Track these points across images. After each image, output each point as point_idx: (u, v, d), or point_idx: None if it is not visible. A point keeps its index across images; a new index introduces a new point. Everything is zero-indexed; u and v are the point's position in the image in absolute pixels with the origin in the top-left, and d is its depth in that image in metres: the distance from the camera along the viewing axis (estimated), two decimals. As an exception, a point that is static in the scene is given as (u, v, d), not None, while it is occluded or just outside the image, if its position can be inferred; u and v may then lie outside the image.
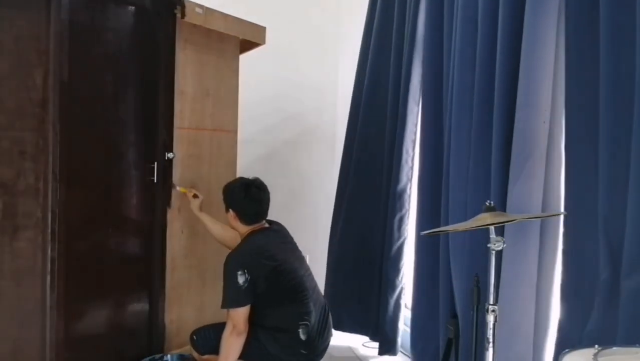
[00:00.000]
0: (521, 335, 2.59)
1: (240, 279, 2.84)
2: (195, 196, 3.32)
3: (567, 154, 2.47)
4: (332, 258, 4.21)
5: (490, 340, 2.24)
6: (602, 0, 2.21)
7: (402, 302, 3.83)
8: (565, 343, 2.38)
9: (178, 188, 3.30)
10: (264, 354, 2.93)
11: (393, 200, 3.75)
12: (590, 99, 2.30)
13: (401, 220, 3.76)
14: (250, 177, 3.16)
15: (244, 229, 3.06)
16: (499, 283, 2.57)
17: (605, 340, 1.80)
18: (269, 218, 3.17)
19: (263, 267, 2.92)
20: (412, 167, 3.73)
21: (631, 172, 2.08)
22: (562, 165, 2.54)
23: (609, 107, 2.20)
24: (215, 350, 2.94)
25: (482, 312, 2.27)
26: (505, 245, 2.24)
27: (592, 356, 1.67)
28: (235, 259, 2.92)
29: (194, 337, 3.10)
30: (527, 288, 2.59)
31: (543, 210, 2.59)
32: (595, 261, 2.25)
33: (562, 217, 2.49)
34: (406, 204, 3.75)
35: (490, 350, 2.25)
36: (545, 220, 2.59)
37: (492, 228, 2.21)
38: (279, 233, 3.16)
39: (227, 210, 3.09)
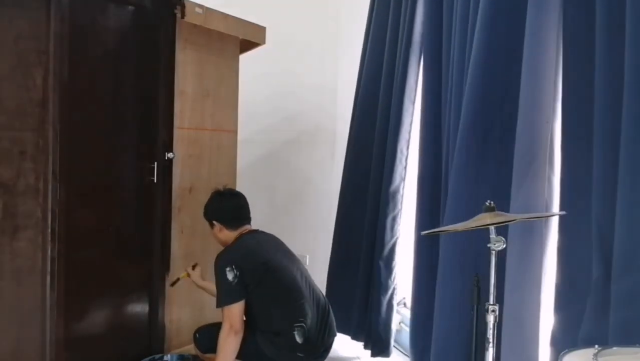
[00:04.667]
0: (530, 338, 2.58)
1: (230, 276, 2.87)
2: (194, 267, 3.31)
3: (562, 155, 2.47)
4: (332, 258, 4.22)
5: (490, 340, 2.24)
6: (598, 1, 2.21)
7: (395, 303, 3.83)
8: (558, 346, 2.38)
9: (180, 278, 3.30)
10: (261, 356, 2.94)
11: (386, 200, 3.75)
12: (585, 100, 2.30)
13: (394, 220, 3.76)
14: (221, 187, 3.19)
15: (232, 236, 3.07)
16: (500, 283, 2.57)
17: (598, 343, 1.80)
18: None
19: (251, 263, 2.94)
20: (405, 168, 3.73)
21: (620, 173, 2.08)
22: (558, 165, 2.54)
23: (601, 109, 2.20)
24: (216, 348, 2.94)
25: (482, 312, 2.27)
26: (505, 245, 2.24)
27: (592, 356, 1.67)
28: (223, 258, 2.95)
29: (197, 335, 3.12)
30: (533, 289, 2.58)
31: (547, 211, 2.59)
32: (588, 263, 2.25)
33: (557, 218, 2.49)
34: (399, 204, 3.76)
35: (491, 350, 2.25)
36: (549, 220, 2.59)
37: (492, 228, 2.20)
38: (268, 235, 3.18)
39: (212, 227, 3.12)
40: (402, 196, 3.76)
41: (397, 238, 3.79)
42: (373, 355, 3.84)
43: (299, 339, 2.92)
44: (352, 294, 4.00)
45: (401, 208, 3.77)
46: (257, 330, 2.96)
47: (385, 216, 3.76)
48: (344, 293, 4.06)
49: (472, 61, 2.80)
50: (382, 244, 3.78)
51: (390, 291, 3.79)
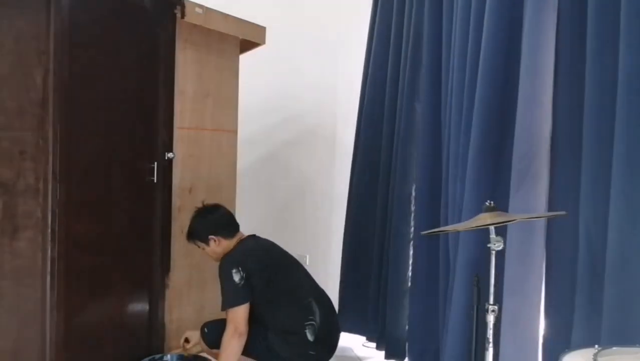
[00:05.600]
0: (529, 340, 2.59)
1: (236, 277, 2.86)
2: (186, 341, 3.18)
3: (552, 158, 2.47)
4: (343, 260, 4.21)
5: (490, 340, 2.24)
6: (590, 3, 2.21)
7: (407, 304, 3.81)
8: (550, 351, 2.39)
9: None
10: (274, 357, 2.94)
11: (398, 201, 3.74)
12: (576, 103, 2.30)
13: (406, 222, 3.75)
14: (200, 205, 3.13)
15: (230, 244, 3.05)
16: (500, 283, 2.57)
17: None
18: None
19: (257, 263, 2.95)
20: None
21: (612, 180, 2.07)
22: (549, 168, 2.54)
23: (592, 113, 2.20)
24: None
25: (482, 312, 2.27)
26: (504, 246, 2.24)
27: (592, 356, 1.67)
28: (228, 260, 2.94)
29: (205, 329, 3.11)
30: (532, 291, 2.58)
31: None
32: (577, 266, 2.25)
33: (545, 221, 2.49)
34: (411, 205, 3.74)
35: (490, 350, 2.25)
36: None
37: (492, 228, 2.21)
38: (266, 239, 3.18)
39: (207, 245, 3.04)
40: (414, 197, 3.75)
41: (409, 240, 3.77)
42: (387, 356, 3.83)
43: (310, 337, 2.93)
44: (365, 296, 4.00)
45: (413, 210, 3.76)
46: (268, 330, 2.95)
47: (397, 218, 3.75)
48: (357, 294, 4.06)
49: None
50: (395, 246, 3.76)
51: (402, 293, 3.78)
